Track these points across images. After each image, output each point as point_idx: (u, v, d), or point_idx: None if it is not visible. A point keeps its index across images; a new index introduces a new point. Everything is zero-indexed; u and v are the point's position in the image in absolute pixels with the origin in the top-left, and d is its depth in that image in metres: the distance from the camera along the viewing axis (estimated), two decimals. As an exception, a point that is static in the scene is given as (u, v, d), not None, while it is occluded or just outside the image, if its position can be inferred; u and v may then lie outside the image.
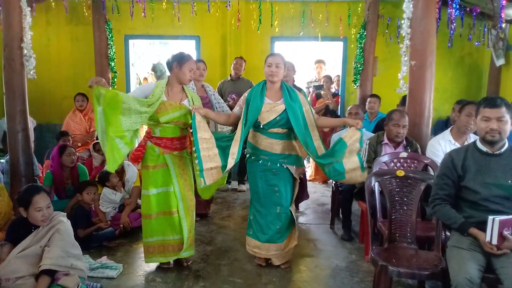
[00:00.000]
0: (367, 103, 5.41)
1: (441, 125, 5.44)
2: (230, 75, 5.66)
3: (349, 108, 4.54)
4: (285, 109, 3.10)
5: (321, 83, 6.30)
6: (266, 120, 3.11)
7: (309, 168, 6.40)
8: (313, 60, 6.81)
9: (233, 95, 5.34)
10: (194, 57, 6.51)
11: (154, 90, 3.08)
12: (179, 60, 3.15)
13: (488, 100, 2.41)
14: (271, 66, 3.14)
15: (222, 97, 5.41)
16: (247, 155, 3.33)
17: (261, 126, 3.15)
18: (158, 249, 3.21)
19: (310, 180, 6.05)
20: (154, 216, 3.18)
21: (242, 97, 3.29)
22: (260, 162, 3.20)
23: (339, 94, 6.68)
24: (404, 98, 4.99)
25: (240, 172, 5.79)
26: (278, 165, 3.18)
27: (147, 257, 3.23)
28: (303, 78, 7.10)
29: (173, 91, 3.20)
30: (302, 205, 4.95)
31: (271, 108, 3.12)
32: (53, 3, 6.03)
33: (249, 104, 3.12)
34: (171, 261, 3.30)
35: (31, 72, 4.00)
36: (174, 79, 3.20)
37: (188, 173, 3.30)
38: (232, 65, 5.68)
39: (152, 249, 3.21)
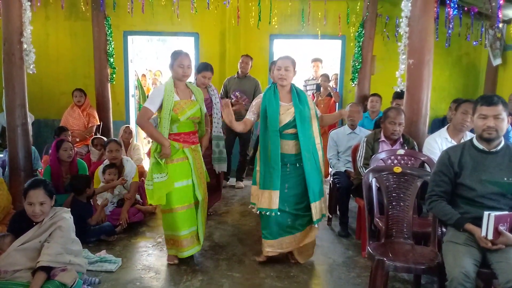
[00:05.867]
0: (368, 102, 5.43)
1: (437, 124, 5.47)
2: (237, 72, 5.66)
3: (349, 105, 4.55)
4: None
5: (318, 82, 6.32)
6: (283, 122, 3.10)
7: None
8: (310, 58, 6.82)
9: (236, 93, 5.35)
10: (193, 54, 6.58)
11: (164, 95, 3.09)
12: (171, 58, 3.20)
13: (485, 98, 2.44)
14: (280, 70, 3.11)
15: (226, 94, 5.48)
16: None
17: (277, 129, 3.10)
18: (190, 242, 3.24)
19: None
20: (179, 209, 3.17)
21: (254, 103, 3.26)
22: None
23: (337, 91, 6.70)
24: (396, 93, 5.02)
25: (239, 169, 5.81)
26: (297, 165, 3.16)
27: (181, 251, 3.21)
28: (301, 77, 7.10)
29: (181, 89, 3.22)
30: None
31: (286, 111, 3.12)
32: (50, -2, 6.02)
33: (266, 109, 3.12)
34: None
35: (31, 67, 4.01)
36: (175, 77, 3.22)
37: (202, 167, 3.37)
38: (239, 63, 5.68)
39: (186, 242, 3.21)
